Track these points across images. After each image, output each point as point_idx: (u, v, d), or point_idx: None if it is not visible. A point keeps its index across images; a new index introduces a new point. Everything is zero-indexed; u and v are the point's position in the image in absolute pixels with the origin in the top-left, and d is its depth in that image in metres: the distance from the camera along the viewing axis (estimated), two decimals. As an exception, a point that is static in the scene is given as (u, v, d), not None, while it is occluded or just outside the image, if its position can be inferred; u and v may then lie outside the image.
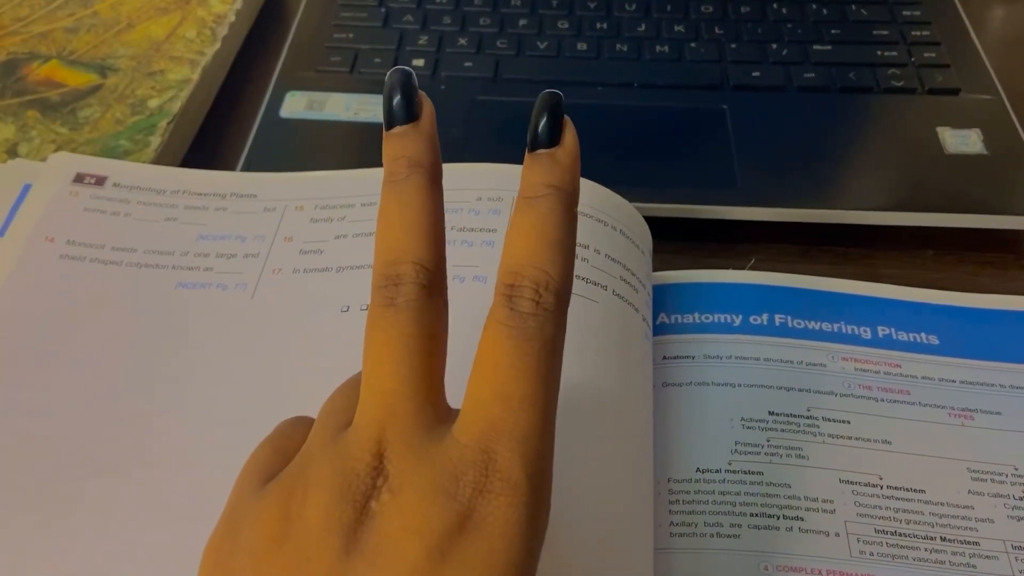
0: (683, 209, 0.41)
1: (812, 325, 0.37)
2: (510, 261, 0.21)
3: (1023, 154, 0.43)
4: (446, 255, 0.22)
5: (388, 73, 0.23)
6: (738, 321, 0.37)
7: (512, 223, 0.22)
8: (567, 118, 0.23)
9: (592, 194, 0.37)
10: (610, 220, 0.36)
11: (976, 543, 0.30)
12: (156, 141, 0.42)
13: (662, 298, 0.38)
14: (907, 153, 0.44)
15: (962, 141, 0.43)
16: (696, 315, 0.37)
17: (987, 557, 0.30)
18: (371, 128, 0.45)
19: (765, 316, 0.37)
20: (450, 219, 0.36)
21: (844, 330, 0.37)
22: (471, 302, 0.33)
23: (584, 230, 0.35)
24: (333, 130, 0.45)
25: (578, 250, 0.34)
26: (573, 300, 0.32)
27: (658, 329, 0.37)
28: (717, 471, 0.32)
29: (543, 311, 0.21)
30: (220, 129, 0.47)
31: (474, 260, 0.34)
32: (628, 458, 0.30)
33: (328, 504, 0.19)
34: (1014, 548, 0.30)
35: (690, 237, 0.41)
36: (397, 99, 0.23)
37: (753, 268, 0.40)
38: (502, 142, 0.45)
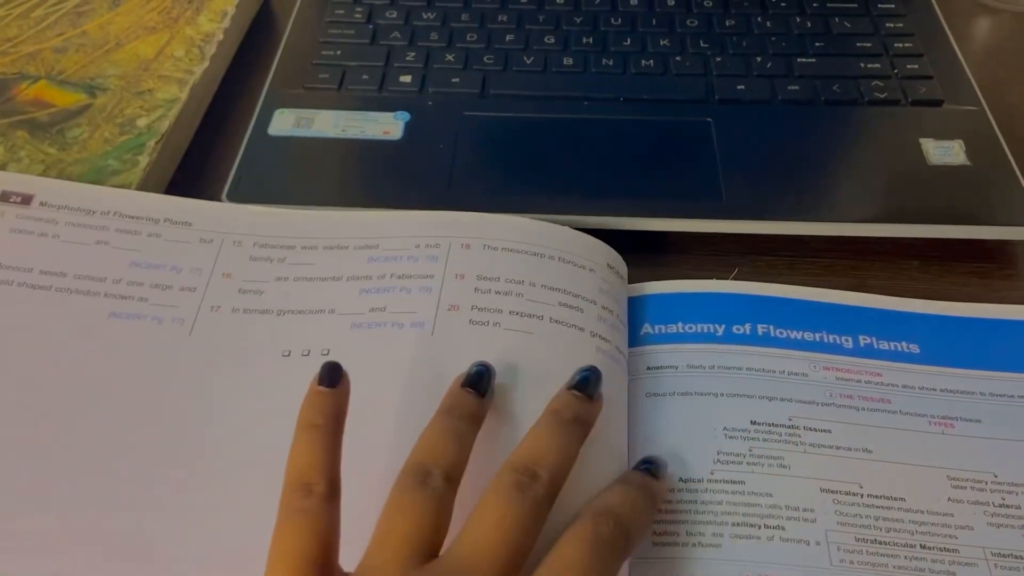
0: (669, 223, 0.41)
1: (794, 335, 0.37)
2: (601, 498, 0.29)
3: (1005, 165, 0.43)
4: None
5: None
6: (721, 331, 0.37)
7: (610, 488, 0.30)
8: None
9: (525, 230, 0.38)
10: (545, 251, 0.37)
11: (956, 551, 0.30)
12: (144, 160, 0.42)
13: (646, 309, 0.38)
14: (891, 165, 0.44)
15: (945, 152, 0.44)
16: (680, 325, 0.38)
17: (967, 564, 0.30)
18: (359, 144, 0.45)
19: (748, 326, 0.37)
20: (390, 267, 0.37)
21: (826, 340, 0.37)
22: (408, 348, 0.34)
23: (518, 266, 0.36)
24: (321, 147, 0.45)
25: (511, 286, 0.36)
26: (508, 336, 0.35)
27: (642, 339, 0.37)
28: (699, 480, 0.32)
29: (617, 542, 0.27)
30: (209, 147, 0.47)
31: (412, 306, 0.35)
32: (595, 470, 0.31)
33: None
34: (993, 555, 0.30)
35: (677, 250, 0.42)
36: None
37: (737, 278, 0.40)
38: (489, 157, 0.45)
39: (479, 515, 0.26)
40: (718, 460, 0.32)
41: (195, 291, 0.36)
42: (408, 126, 0.46)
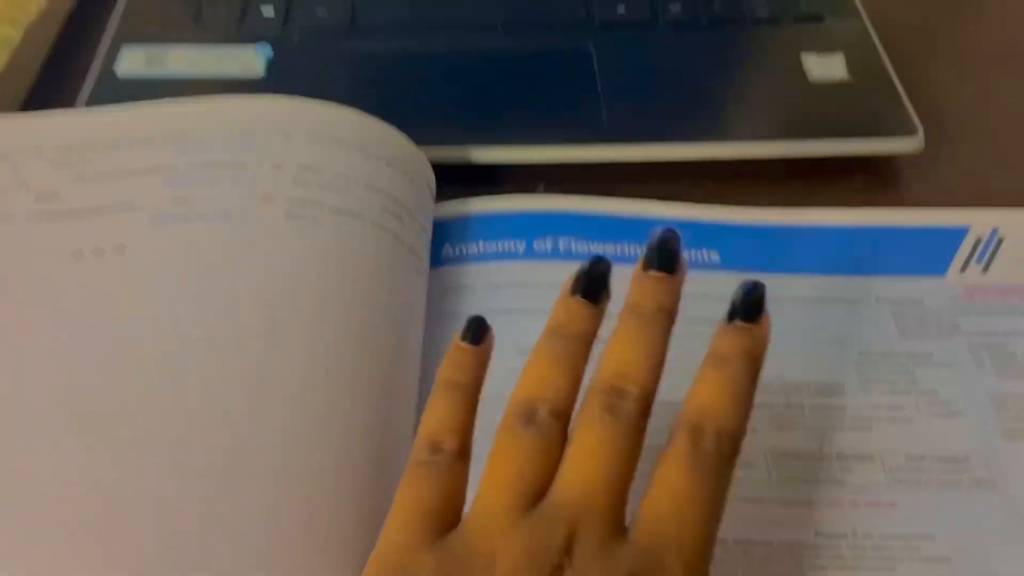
0: (549, 153, 0.40)
1: (596, 247, 0.37)
2: (698, 403, 0.25)
3: (885, 78, 0.43)
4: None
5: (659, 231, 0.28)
6: (522, 248, 0.36)
7: (702, 374, 0.26)
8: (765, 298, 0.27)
9: (356, 125, 0.36)
10: (374, 150, 0.35)
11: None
12: (-26, 107, 0.38)
13: (448, 230, 0.37)
14: (774, 84, 0.43)
15: (825, 68, 0.43)
16: (480, 244, 0.37)
17: (746, 466, 0.31)
18: (218, 85, 0.42)
19: (549, 241, 0.37)
20: (199, 156, 0.34)
21: (627, 251, 0.37)
22: (212, 242, 0.31)
23: (343, 160, 0.34)
24: (176, 89, 0.41)
25: (335, 180, 0.33)
26: (327, 227, 0.32)
27: (443, 261, 0.36)
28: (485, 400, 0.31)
29: (722, 456, 0.24)
30: (53, 91, 0.43)
31: (220, 197, 0.33)
32: (387, 386, 0.30)
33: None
34: (773, 455, 0.32)
35: (563, 182, 0.40)
36: (664, 248, 0.27)
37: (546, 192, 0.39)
38: (361, 93, 0.42)
39: (573, 451, 0.24)
40: (509, 380, 0.30)
41: None
42: (271, 63, 0.43)
